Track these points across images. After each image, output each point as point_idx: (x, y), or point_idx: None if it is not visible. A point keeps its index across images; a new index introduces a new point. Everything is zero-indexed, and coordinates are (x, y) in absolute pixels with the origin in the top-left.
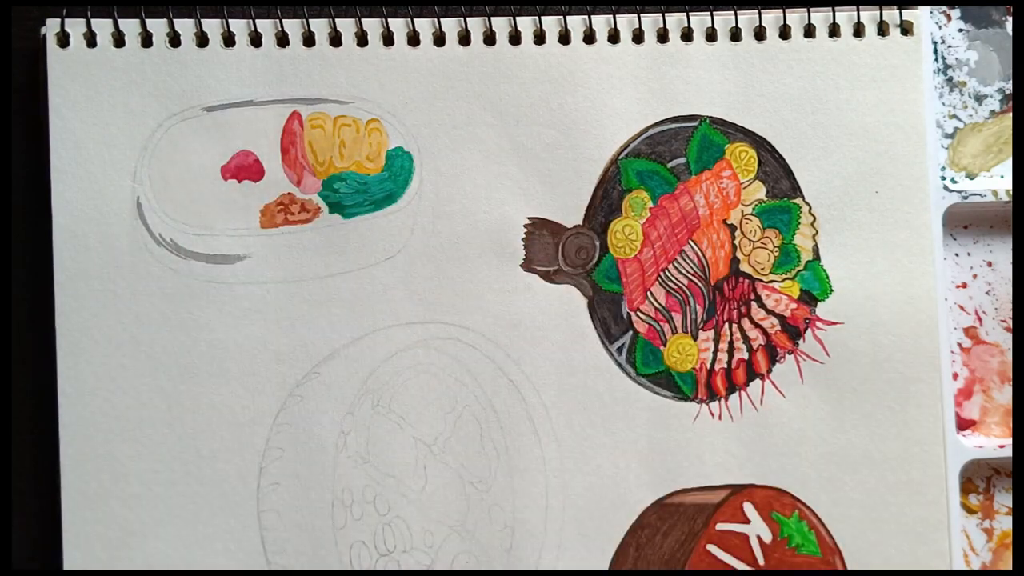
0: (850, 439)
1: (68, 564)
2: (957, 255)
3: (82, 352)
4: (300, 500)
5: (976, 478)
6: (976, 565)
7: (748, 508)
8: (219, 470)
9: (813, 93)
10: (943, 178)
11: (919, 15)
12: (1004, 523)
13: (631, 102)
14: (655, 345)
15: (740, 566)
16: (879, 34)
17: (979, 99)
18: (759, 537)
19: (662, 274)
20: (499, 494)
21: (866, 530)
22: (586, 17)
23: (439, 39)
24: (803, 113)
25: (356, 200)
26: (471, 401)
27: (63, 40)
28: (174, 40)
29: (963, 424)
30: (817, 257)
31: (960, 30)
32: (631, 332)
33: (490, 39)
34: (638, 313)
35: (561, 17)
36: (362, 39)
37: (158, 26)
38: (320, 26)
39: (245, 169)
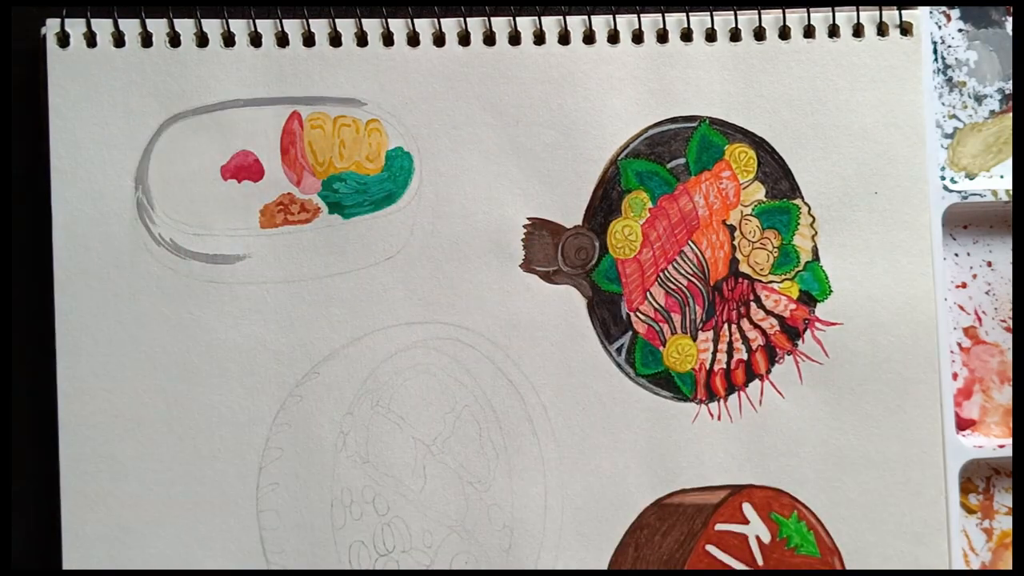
0: (849, 439)
1: (68, 564)
2: (957, 255)
3: (82, 352)
4: (299, 500)
5: (976, 478)
6: (976, 565)
7: (747, 508)
8: (219, 470)
9: (812, 94)
10: (943, 178)
11: (919, 15)
12: (1004, 523)
13: (631, 102)
14: (654, 345)
15: (739, 566)
16: (879, 34)
17: (979, 99)
18: (758, 537)
19: (661, 275)
20: (498, 494)
21: (865, 530)
22: (586, 17)
23: (439, 39)
24: (802, 114)
25: (356, 200)
26: (470, 401)
27: (63, 40)
28: (174, 40)
29: (963, 424)
30: (816, 258)
31: (960, 30)
32: (630, 332)
33: (490, 39)
34: (637, 313)
35: (561, 17)
36: (362, 39)
37: (158, 26)
38: (320, 26)
39: (245, 169)
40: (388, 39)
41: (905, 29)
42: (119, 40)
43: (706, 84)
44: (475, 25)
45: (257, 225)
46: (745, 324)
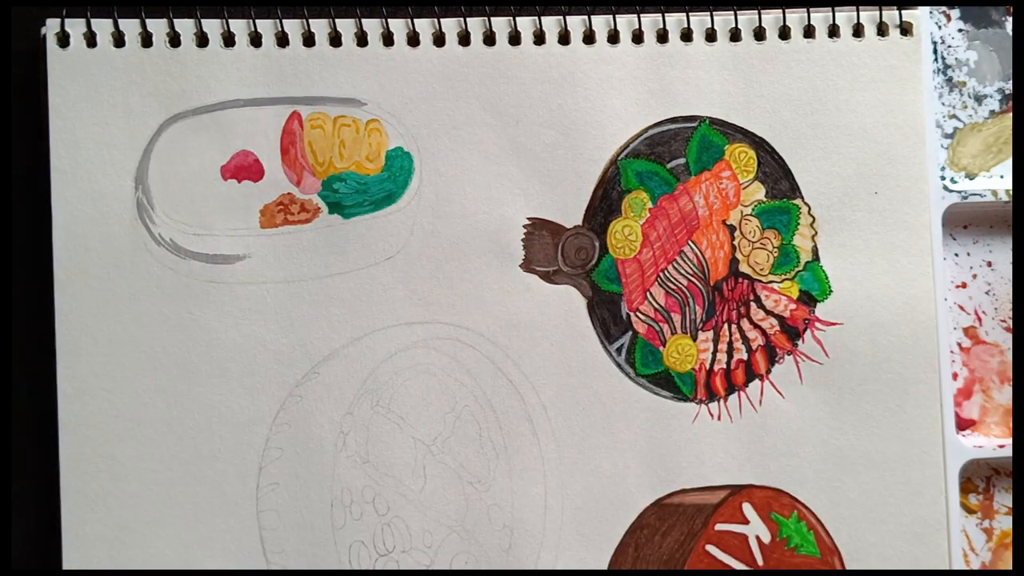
0: (849, 439)
1: (68, 564)
2: (957, 255)
3: (82, 352)
4: (299, 500)
5: (976, 478)
6: (976, 565)
7: (747, 508)
8: (218, 470)
9: (812, 94)
10: (943, 178)
11: (919, 15)
12: (1004, 523)
13: (631, 102)
14: (654, 345)
15: (739, 566)
16: (879, 34)
17: (979, 99)
18: (758, 537)
19: (661, 275)
20: (498, 494)
21: (865, 530)
22: (586, 17)
23: (439, 39)
24: (802, 114)
25: (356, 200)
26: (470, 401)
27: (63, 40)
28: (174, 40)
29: (963, 424)
30: (816, 258)
31: (960, 30)
32: (630, 332)
33: (490, 39)
34: (637, 313)
35: (561, 17)
36: (362, 39)
37: (158, 26)
38: (320, 26)
39: (245, 169)
40: (388, 39)
41: (905, 29)
42: (119, 40)
43: (706, 84)
44: (475, 25)
45: (257, 225)
46: (745, 324)
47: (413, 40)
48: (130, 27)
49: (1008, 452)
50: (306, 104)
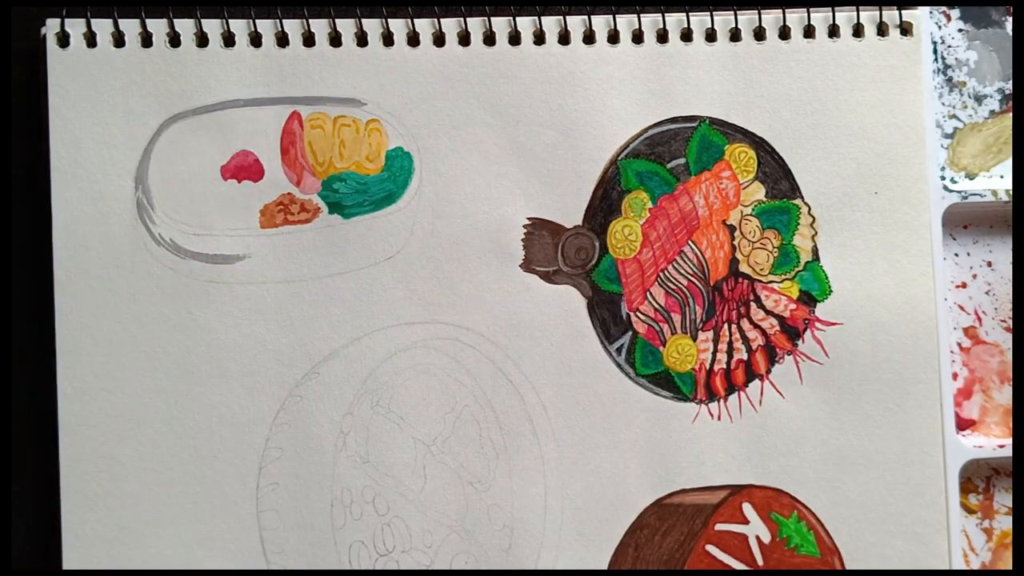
0: (849, 439)
1: (68, 564)
2: (957, 255)
3: (82, 352)
4: (299, 500)
5: (976, 478)
6: (976, 565)
7: (747, 508)
8: (218, 470)
9: (812, 94)
10: (943, 178)
11: (919, 15)
12: (1004, 523)
13: (631, 102)
14: (654, 345)
15: (739, 566)
16: (879, 34)
17: (979, 99)
18: (758, 537)
19: (661, 275)
20: (498, 494)
21: (865, 530)
22: (586, 17)
23: (439, 39)
24: (802, 114)
25: (356, 200)
26: (470, 401)
27: (63, 40)
28: (174, 40)
29: (963, 424)
30: (816, 258)
31: (960, 30)
32: (630, 332)
33: (490, 39)
34: (637, 313)
35: (561, 17)
36: (362, 39)
37: (158, 26)
38: (320, 26)
39: (245, 169)
40: (388, 39)
41: (905, 29)
42: (119, 40)
43: (706, 84)
44: (475, 25)
45: (257, 225)
46: (745, 324)
47: (413, 40)
48: (130, 27)
49: (1008, 452)
50: (306, 104)
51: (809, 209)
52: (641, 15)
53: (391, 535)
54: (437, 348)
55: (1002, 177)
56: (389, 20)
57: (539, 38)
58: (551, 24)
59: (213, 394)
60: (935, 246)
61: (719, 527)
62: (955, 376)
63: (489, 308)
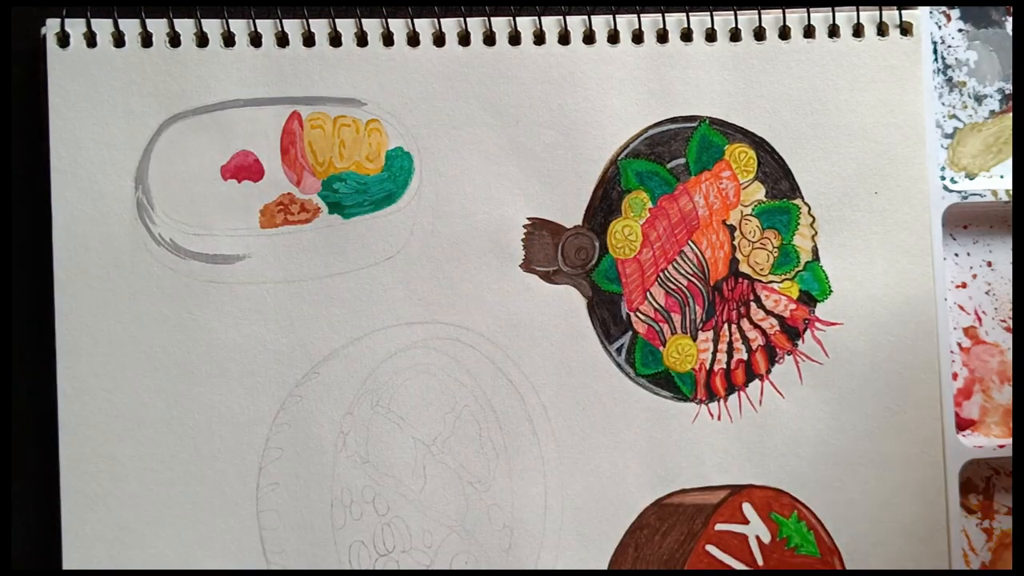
0: (849, 439)
1: (68, 564)
2: (957, 255)
3: (82, 352)
4: (299, 500)
5: (976, 478)
6: (976, 565)
7: (747, 508)
8: (218, 470)
9: (812, 94)
10: (943, 178)
11: (919, 15)
12: (1004, 523)
13: (631, 102)
14: (654, 345)
15: (739, 566)
16: (879, 34)
17: (979, 99)
18: (758, 537)
19: (661, 275)
20: (498, 494)
21: (865, 530)
22: (586, 17)
23: (439, 39)
24: (802, 114)
25: (356, 200)
26: (470, 401)
27: (63, 40)
28: (174, 40)
29: (963, 424)
30: (816, 258)
31: (960, 30)
32: (630, 332)
33: (490, 39)
34: (637, 313)
35: (561, 17)
36: (362, 39)
37: (158, 26)
38: (320, 26)
39: (245, 169)
40: (388, 39)
41: (905, 29)
42: (119, 40)
43: (706, 84)
44: (475, 25)
45: (257, 225)
46: (745, 324)
47: (413, 40)
48: (130, 27)
49: (1008, 452)
50: (306, 104)
51: (809, 209)
52: (641, 15)
53: (391, 535)
54: (437, 348)
55: (1002, 177)
56: (389, 20)
57: (539, 38)
58: (551, 24)
59: (213, 394)
60: (935, 246)
61: (719, 527)
62: (955, 376)
63: (489, 308)
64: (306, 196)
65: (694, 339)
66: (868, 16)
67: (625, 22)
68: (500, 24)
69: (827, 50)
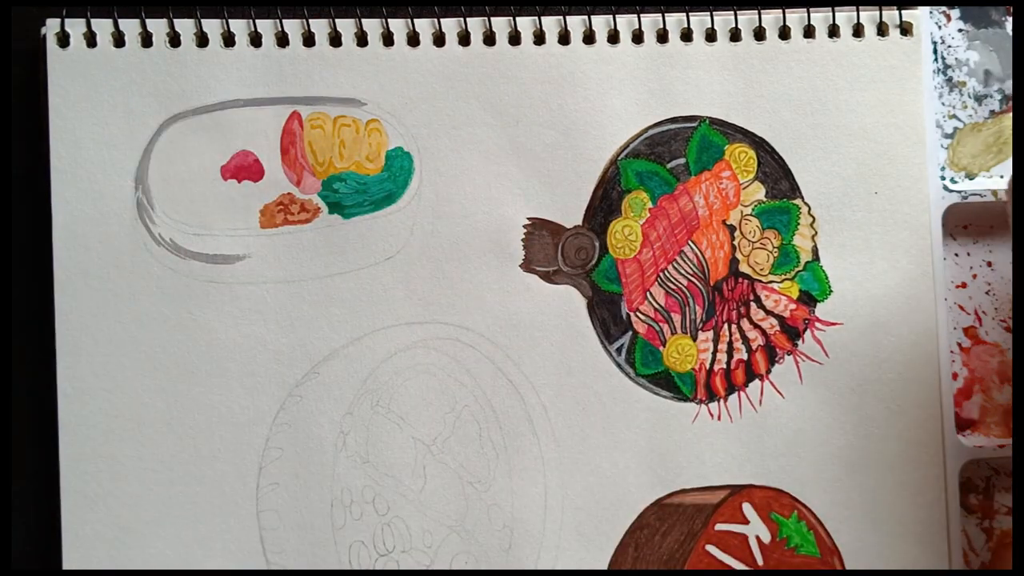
0: (849, 439)
1: (68, 564)
2: (957, 255)
3: (82, 352)
4: (299, 500)
5: (976, 478)
6: (976, 565)
7: (747, 508)
8: (218, 470)
9: (812, 94)
10: (943, 178)
11: (919, 15)
12: (1004, 523)
13: (631, 102)
14: (654, 345)
15: (739, 566)
16: (879, 35)
17: (979, 99)
18: (758, 537)
19: (661, 275)
20: (498, 494)
21: (865, 530)
22: (586, 17)
23: (439, 39)
24: (802, 114)
25: (356, 200)
26: (470, 401)
27: (63, 40)
28: (174, 40)
29: (963, 424)
30: (816, 258)
31: (960, 30)
32: (630, 332)
33: (490, 39)
34: (637, 313)
35: (561, 17)
36: (362, 39)
37: (158, 26)
38: (320, 26)
39: (245, 169)
40: (388, 39)
41: (905, 29)
42: (119, 40)
43: (706, 84)
44: (475, 25)
45: (257, 225)
46: (745, 324)
47: (413, 40)
48: (130, 27)
49: (1008, 452)
50: (306, 104)
51: (809, 209)
52: (641, 15)
53: (391, 535)
54: (437, 348)
55: (1002, 177)
56: (389, 20)
57: (539, 38)
58: (551, 24)
59: (213, 394)
60: (935, 246)
61: (719, 527)
62: (955, 376)
63: (489, 308)
64: (306, 196)
65: (694, 339)
66: (868, 16)
67: (625, 22)
68: (500, 24)
69: (827, 50)
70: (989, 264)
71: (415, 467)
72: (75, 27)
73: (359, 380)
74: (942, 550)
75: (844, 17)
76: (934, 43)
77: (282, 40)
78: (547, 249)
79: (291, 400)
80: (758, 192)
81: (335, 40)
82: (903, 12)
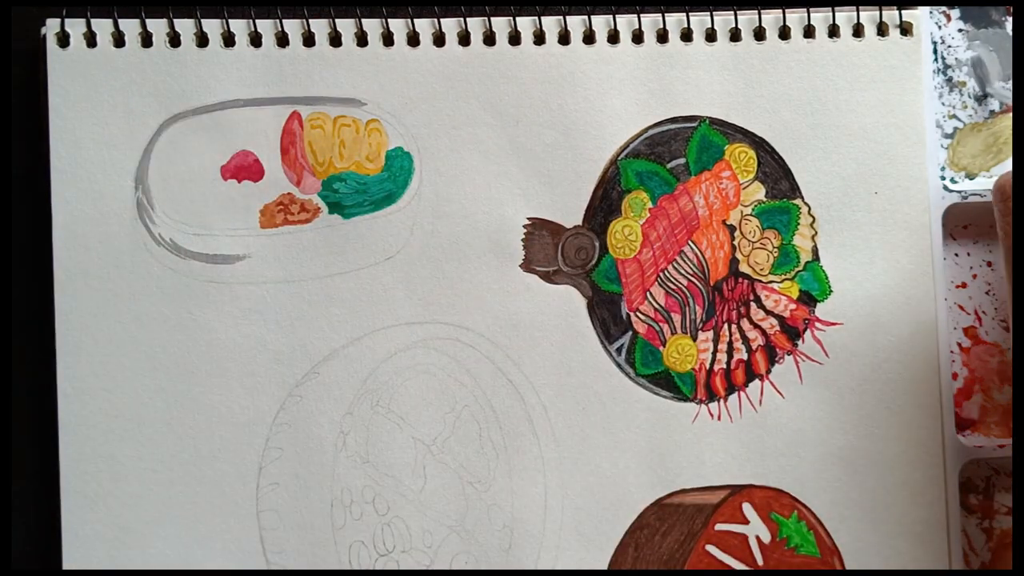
0: (849, 439)
1: (68, 564)
2: (957, 255)
3: (82, 352)
4: (299, 500)
5: (976, 478)
6: (976, 565)
7: (747, 508)
8: (218, 470)
9: (812, 94)
10: (943, 178)
11: (919, 15)
12: (1004, 523)
13: (631, 103)
14: (654, 345)
15: (739, 566)
16: (879, 35)
17: (979, 99)
18: (758, 537)
19: (661, 275)
20: (498, 494)
21: (865, 530)
22: (586, 17)
23: (439, 39)
24: (802, 114)
25: (356, 200)
26: (470, 401)
27: (63, 40)
28: (174, 40)
29: (963, 424)
30: (816, 258)
31: (960, 30)
32: (630, 332)
33: (490, 39)
34: (637, 313)
35: (561, 17)
36: (362, 39)
37: (158, 26)
38: (320, 26)
39: (245, 169)
40: (388, 39)
41: (905, 29)
42: (119, 40)
43: (706, 84)
44: (475, 25)
45: (257, 225)
46: (745, 324)
47: (413, 40)
48: (130, 27)
49: (1008, 452)
50: (306, 104)
51: (809, 209)
52: (641, 15)
53: (391, 535)
54: (437, 348)
55: None
56: (389, 20)
57: (539, 38)
58: (551, 24)
59: (213, 394)
60: (935, 246)
61: (719, 527)
62: (955, 376)
63: (489, 308)
64: (306, 196)
65: (694, 339)
66: (868, 16)
67: (625, 22)
68: (500, 24)
69: (827, 50)
70: (989, 264)
71: (415, 467)
72: (75, 27)
73: (359, 380)
74: (942, 550)
75: (844, 17)
76: (934, 43)
77: (282, 40)
78: (547, 249)
79: (291, 400)
80: (758, 192)
81: (335, 40)
82: (903, 12)
